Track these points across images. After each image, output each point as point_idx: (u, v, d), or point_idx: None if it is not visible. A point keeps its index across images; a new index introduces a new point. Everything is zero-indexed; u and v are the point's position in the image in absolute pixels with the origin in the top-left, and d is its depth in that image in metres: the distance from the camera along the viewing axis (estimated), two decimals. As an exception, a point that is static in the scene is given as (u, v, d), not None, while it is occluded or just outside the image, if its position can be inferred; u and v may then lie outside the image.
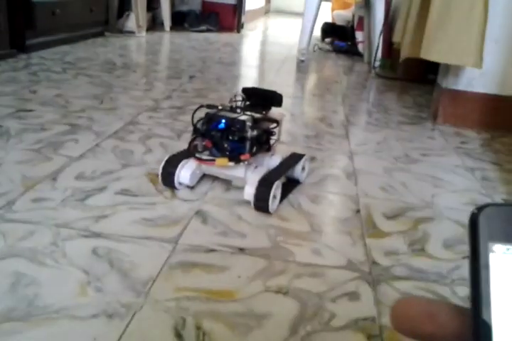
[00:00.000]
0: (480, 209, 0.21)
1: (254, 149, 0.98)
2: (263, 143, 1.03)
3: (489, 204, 0.21)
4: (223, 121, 0.97)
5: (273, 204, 0.95)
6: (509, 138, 1.73)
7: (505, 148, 1.61)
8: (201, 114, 0.99)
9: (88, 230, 0.82)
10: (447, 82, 1.78)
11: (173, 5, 3.93)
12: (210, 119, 0.98)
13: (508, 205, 0.21)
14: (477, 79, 1.74)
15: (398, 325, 0.22)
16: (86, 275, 0.70)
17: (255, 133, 0.97)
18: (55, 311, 0.62)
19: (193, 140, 0.99)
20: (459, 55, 1.55)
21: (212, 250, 0.81)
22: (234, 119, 0.96)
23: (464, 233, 0.96)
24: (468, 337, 0.20)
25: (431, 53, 1.60)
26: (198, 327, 0.63)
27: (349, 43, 3.62)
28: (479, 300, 0.20)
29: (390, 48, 2.92)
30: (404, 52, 1.91)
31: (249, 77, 2.53)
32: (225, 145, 0.97)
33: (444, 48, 1.57)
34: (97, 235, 0.81)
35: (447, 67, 1.77)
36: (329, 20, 4.50)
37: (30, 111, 1.43)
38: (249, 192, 0.95)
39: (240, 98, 1.07)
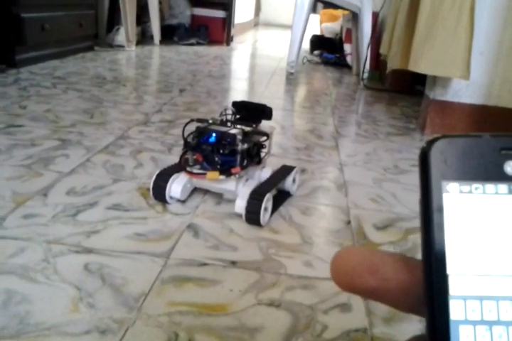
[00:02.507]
0: (431, 142, 0.18)
1: (245, 162, 0.99)
2: (254, 156, 1.04)
3: (441, 137, 0.18)
4: (214, 134, 0.97)
5: (264, 216, 0.96)
6: (497, 147, 1.75)
7: (493, 157, 1.63)
8: (192, 127, 1.00)
9: (80, 246, 0.82)
10: (434, 93, 1.80)
11: (162, 19, 3.96)
12: (201, 133, 0.99)
13: (462, 136, 0.18)
14: (464, 90, 1.77)
15: (337, 279, 0.19)
16: (78, 291, 0.70)
17: (246, 146, 0.98)
18: (47, 328, 0.62)
19: (183, 154, 1.00)
20: (447, 67, 1.58)
21: (204, 264, 0.81)
22: (224, 133, 0.97)
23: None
24: (416, 291, 0.18)
25: (419, 65, 1.62)
26: (191, 342, 0.63)
27: (337, 55, 3.66)
28: (432, 247, 0.18)
29: (378, 60, 2.95)
30: (391, 64, 1.93)
31: (239, 90, 2.54)
32: (216, 159, 0.98)
33: (431, 60, 1.59)
34: (89, 251, 0.81)
35: (434, 78, 1.80)
36: (318, 32, 4.55)
37: (20, 126, 1.43)
38: (241, 205, 0.96)
39: (230, 112, 1.08)
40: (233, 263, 0.82)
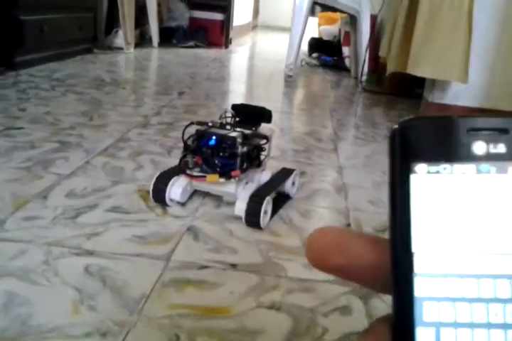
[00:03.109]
0: (400, 124, 0.19)
1: (245, 165, 0.99)
2: (253, 159, 1.04)
3: (410, 119, 0.19)
4: (214, 137, 0.98)
5: (264, 219, 0.96)
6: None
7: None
8: (191, 130, 1.00)
9: (80, 248, 0.82)
10: (433, 96, 1.81)
11: (161, 21, 3.97)
12: (201, 136, 0.99)
13: (431, 118, 0.19)
14: (462, 93, 1.78)
15: (310, 258, 0.20)
16: (79, 293, 0.70)
17: (245, 149, 0.98)
18: (48, 330, 0.62)
19: (183, 156, 1.00)
20: (445, 70, 1.58)
21: (205, 266, 0.81)
22: (224, 136, 0.97)
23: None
24: (385, 270, 0.18)
25: (417, 68, 1.63)
26: (192, 345, 0.63)
27: (336, 58, 3.67)
28: (398, 226, 0.18)
29: (377, 63, 2.96)
30: (391, 67, 1.94)
31: (238, 93, 2.55)
32: (216, 162, 0.98)
33: (429, 63, 1.60)
34: (89, 253, 0.81)
35: (433, 81, 1.80)
36: (316, 35, 4.56)
37: (20, 128, 1.43)
38: (241, 207, 0.96)
39: (229, 114, 1.08)
40: (233, 265, 0.83)
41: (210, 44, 4.24)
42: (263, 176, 1.09)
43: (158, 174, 1.03)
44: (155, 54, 3.51)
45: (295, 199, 1.13)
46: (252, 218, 0.95)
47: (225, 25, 4.34)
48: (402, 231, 0.18)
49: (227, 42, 4.37)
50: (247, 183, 1.03)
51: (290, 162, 1.40)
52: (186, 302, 0.71)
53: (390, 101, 2.57)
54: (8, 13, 2.17)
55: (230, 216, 1.00)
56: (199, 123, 1.03)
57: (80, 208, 0.97)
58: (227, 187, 1.01)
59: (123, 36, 3.24)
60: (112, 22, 3.32)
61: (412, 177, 0.18)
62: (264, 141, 1.06)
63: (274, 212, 1.02)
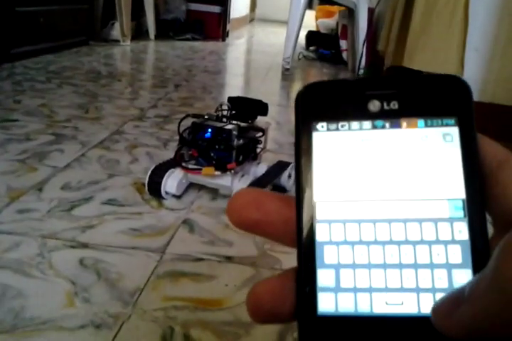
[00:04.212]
0: (304, 88, 0.20)
1: (241, 158, 0.99)
2: (249, 152, 1.04)
3: (313, 83, 0.20)
4: (209, 130, 0.97)
5: (259, 212, 0.96)
6: (491, 144, 1.75)
7: (487, 154, 1.63)
8: (187, 123, 1.00)
9: (75, 241, 0.82)
10: (430, 90, 1.80)
11: (157, 13, 3.94)
12: (197, 128, 0.99)
13: (332, 82, 0.20)
14: (459, 87, 1.77)
15: (230, 215, 0.21)
16: (73, 286, 0.70)
17: (241, 142, 0.98)
18: (42, 322, 0.62)
19: (179, 149, 1.00)
20: (440, 64, 1.58)
21: (200, 259, 0.81)
22: (220, 128, 0.97)
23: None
24: (293, 223, 0.20)
25: (413, 62, 1.62)
26: (187, 336, 0.63)
27: (333, 51, 3.66)
28: (302, 178, 0.20)
29: (374, 56, 2.95)
30: (388, 61, 1.94)
31: (234, 86, 2.54)
32: (212, 155, 0.98)
33: (425, 57, 1.59)
34: (84, 246, 0.81)
35: (429, 75, 1.80)
36: (313, 28, 4.54)
37: (15, 121, 1.42)
38: (236, 200, 0.96)
39: (226, 107, 1.08)
40: (229, 258, 0.83)
41: (207, 37, 4.22)
42: (259, 169, 1.09)
43: (153, 167, 1.02)
44: (151, 46, 3.50)
45: (291, 192, 1.13)
46: (248, 211, 0.94)
47: (222, 17, 4.31)
48: (306, 183, 0.20)
49: (224, 35, 4.35)
50: (242, 176, 1.03)
51: (287, 155, 1.40)
52: (181, 295, 0.71)
53: (387, 95, 2.56)
54: (5, 4, 2.15)
55: (225, 209, 1.00)
56: (195, 115, 1.03)
57: (75, 201, 0.97)
58: (223, 180, 1.01)
59: (119, 28, 3.22)
60: (109, 14, 3.30)
61: (314, 134, 0.20)
62: (260, 134, 1.05)
63: (270, 205, 1.02)
